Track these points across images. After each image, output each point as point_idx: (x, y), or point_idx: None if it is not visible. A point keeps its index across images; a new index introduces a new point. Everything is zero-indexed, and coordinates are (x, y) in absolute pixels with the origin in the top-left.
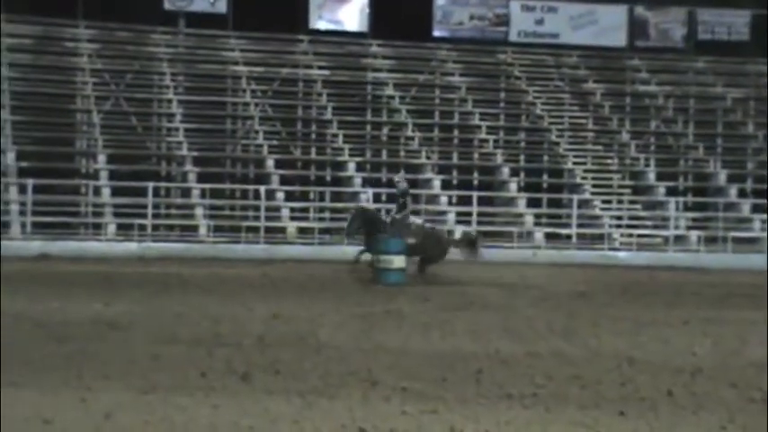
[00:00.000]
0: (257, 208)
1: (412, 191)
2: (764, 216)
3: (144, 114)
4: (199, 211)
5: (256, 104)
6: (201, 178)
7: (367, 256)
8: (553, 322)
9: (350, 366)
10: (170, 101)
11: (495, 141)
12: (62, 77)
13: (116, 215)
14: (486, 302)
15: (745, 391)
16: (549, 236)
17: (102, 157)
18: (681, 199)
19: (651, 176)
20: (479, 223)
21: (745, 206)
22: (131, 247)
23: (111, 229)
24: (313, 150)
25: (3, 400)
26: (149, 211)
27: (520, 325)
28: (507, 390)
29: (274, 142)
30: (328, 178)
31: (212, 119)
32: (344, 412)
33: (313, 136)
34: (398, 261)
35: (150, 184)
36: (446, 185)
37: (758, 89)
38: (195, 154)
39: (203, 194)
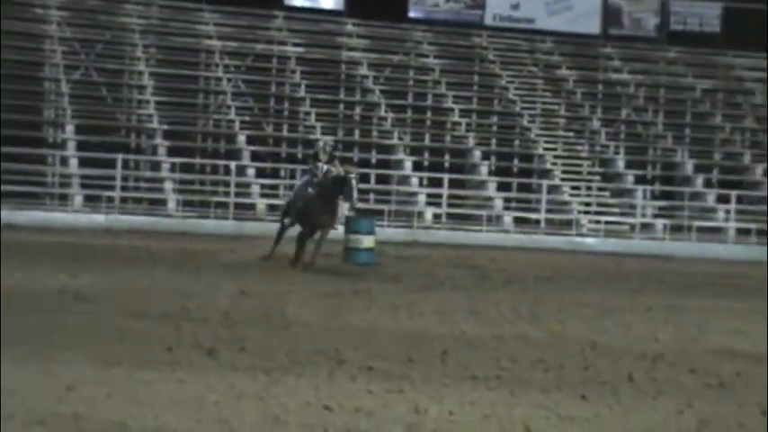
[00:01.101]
0: (227, 184)
1: (383, 171)
2: (728, 207)
3: (114, 85)
4: (168, 185)
5: (229, 79)
6: (171, 152)
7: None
8: (519, 306)
9: (317, 345)
10: (141, 73)
11: (468, 124)
12: (31, 44)
13: (83, 186)
14: (455, 284)
15: (704, 377)
16: (518, 220)
17: (70, 128)
18: (648, 187)
19: (620, 164)
20: (450, 205)
21: (710, 196)
22: (98, 219)
23: (78, 200)
24: (285, 127)
25: None
26: (118, 183)
27: (487, 307)
28: (472, 371)
29: (246, 118)
30: (300, 156)
31: (184, 92)
32: (310, 390)
33: (285, 113)
34: (368, 241)
35: (119, 156)
36: (417, 167)
37: (727, 81)
38: (166, 127)
39: (173, 168)
